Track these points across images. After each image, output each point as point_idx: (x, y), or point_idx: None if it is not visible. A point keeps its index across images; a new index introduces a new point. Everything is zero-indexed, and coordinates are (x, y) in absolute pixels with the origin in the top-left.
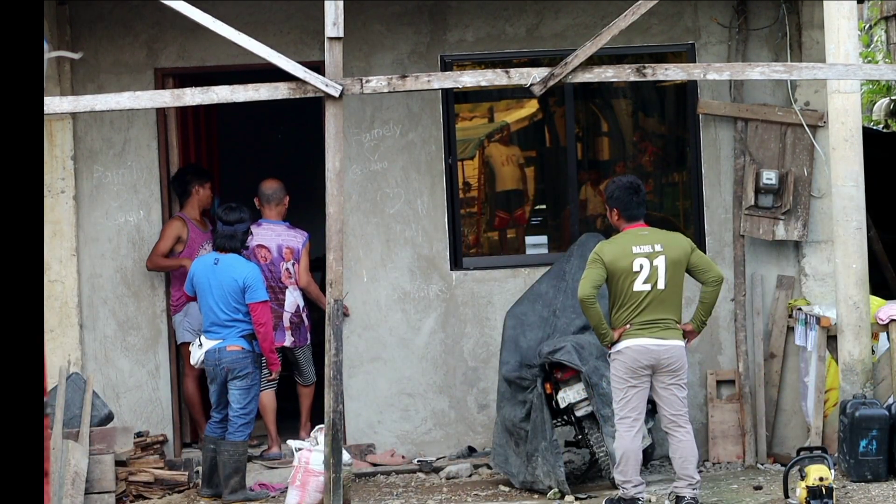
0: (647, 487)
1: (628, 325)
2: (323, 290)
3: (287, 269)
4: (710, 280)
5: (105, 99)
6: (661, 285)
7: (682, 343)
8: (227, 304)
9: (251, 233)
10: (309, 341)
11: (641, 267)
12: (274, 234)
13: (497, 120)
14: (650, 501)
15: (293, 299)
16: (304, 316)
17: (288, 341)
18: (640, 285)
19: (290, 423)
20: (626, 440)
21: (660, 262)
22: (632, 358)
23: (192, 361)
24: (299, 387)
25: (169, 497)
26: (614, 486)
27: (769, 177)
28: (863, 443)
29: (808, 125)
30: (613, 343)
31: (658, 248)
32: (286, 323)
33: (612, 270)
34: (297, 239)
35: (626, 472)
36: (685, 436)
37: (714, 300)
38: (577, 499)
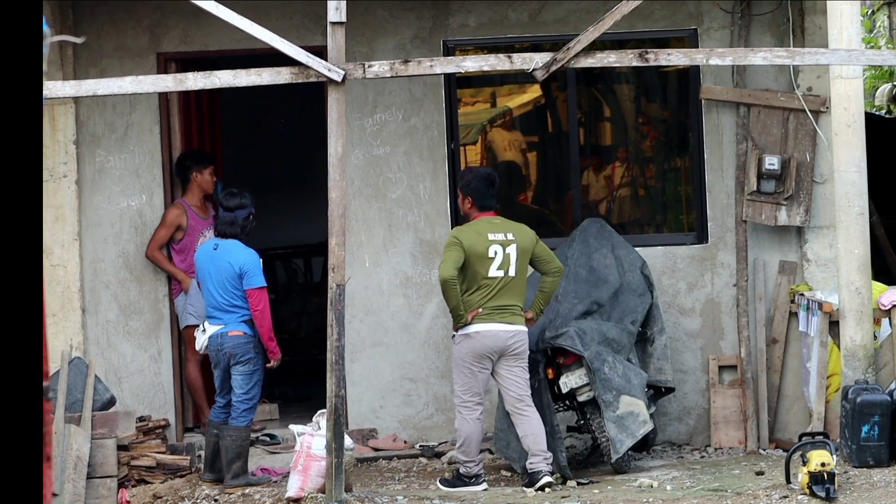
0: (649, 473)
1: (480, 309)
2: (325, 275)
3: None
4: (552, 270)
5: (107, 83)
6: (511, 272)
7: (526, 329)
8: (224, 289)
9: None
10: None
11: (496, 253)
12: None
13: (499, 105)
14: (651, 486)
15: None
16: None
17: None
18: (494, 271)
19: (293, 407)
20: (469, 423)
21: (511, 250)
22: (481, 343)
23: (197, 347)
24: None
25: (171, 482)
26: (616, 472)
27: (771, 162)
28: (865, 428)
29: (810, 110)
30: (465, 325)
31: (510, 236)
32: None
33: (470, 255)
34: None
35: (469, 452)
36: (533, 413)
37: (554, 290)
38: (578, 483)
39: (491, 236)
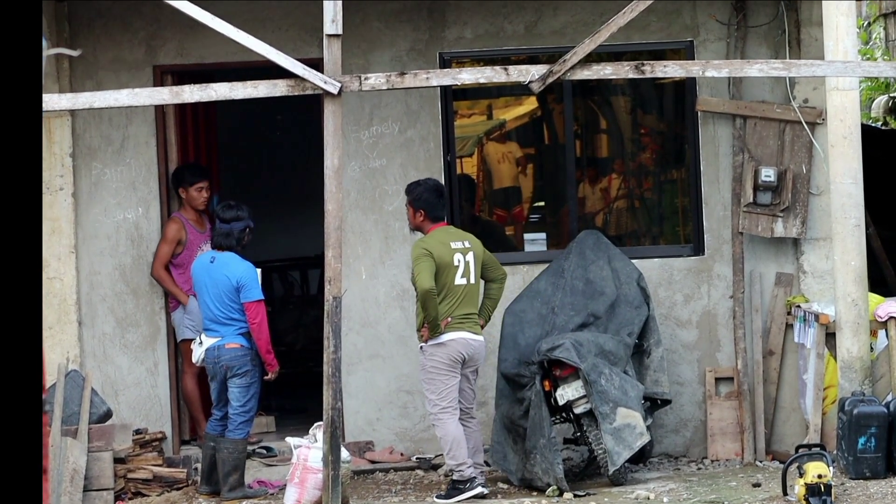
0: (646, 485)
1: (449, 318)
2: (322, 288)
3: None
4: (500, 277)
5: (104, 96)
6: (472, 280)
7: (484, 339)
8: (221, 302)
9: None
10: None
11: (459, 261)
12: None
13: (496, 117)
14: (648, 499)
15: None
16: None
17: None
18: (459, 279)
19: (290, 420)
20: (451, 427)
21: (470, 258)
22: (455, 350)
23: (194, 359)
24: None
25: (167, 494)
26: (613, 484)
27: (768, 174)
28: (861, 440)
29: (806, 122)
30: (440, 335)
31: (467, 244)
32: None
33: (439, 264)
34: None
35: (458, 456)
36: (476, 426)
37: (500, 296)
38: (575, 496)
39: (453, 245)
